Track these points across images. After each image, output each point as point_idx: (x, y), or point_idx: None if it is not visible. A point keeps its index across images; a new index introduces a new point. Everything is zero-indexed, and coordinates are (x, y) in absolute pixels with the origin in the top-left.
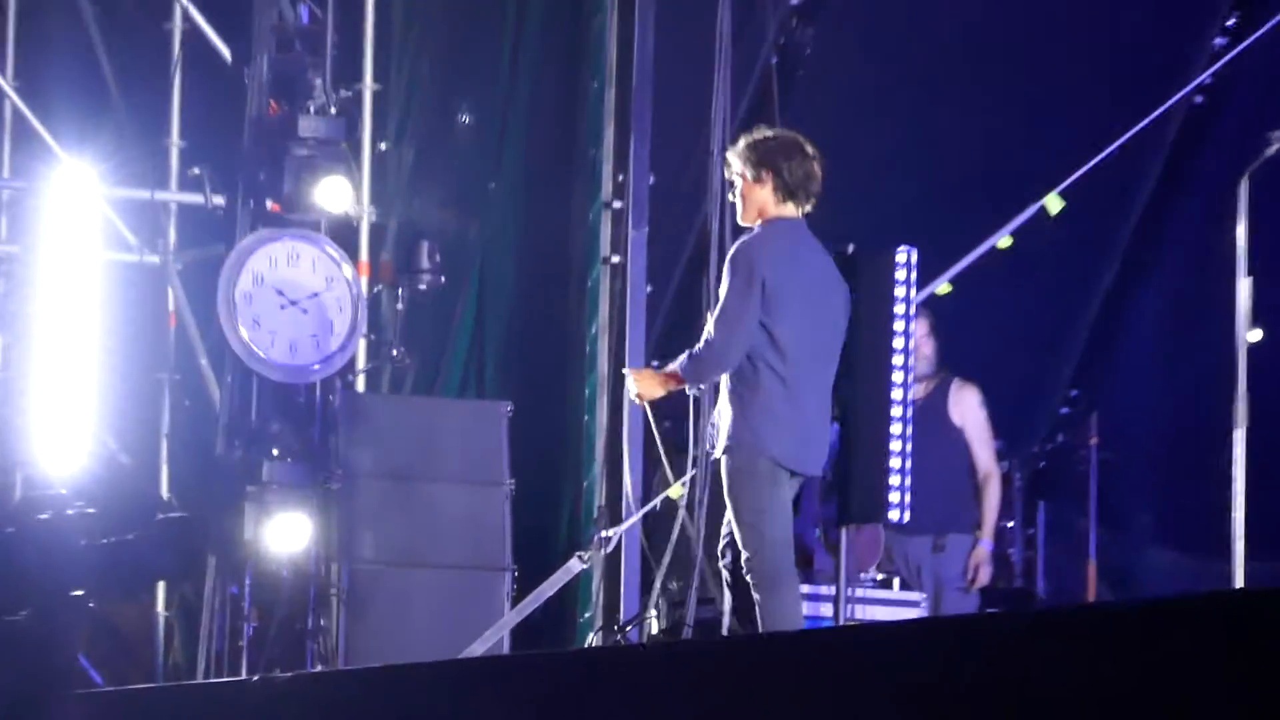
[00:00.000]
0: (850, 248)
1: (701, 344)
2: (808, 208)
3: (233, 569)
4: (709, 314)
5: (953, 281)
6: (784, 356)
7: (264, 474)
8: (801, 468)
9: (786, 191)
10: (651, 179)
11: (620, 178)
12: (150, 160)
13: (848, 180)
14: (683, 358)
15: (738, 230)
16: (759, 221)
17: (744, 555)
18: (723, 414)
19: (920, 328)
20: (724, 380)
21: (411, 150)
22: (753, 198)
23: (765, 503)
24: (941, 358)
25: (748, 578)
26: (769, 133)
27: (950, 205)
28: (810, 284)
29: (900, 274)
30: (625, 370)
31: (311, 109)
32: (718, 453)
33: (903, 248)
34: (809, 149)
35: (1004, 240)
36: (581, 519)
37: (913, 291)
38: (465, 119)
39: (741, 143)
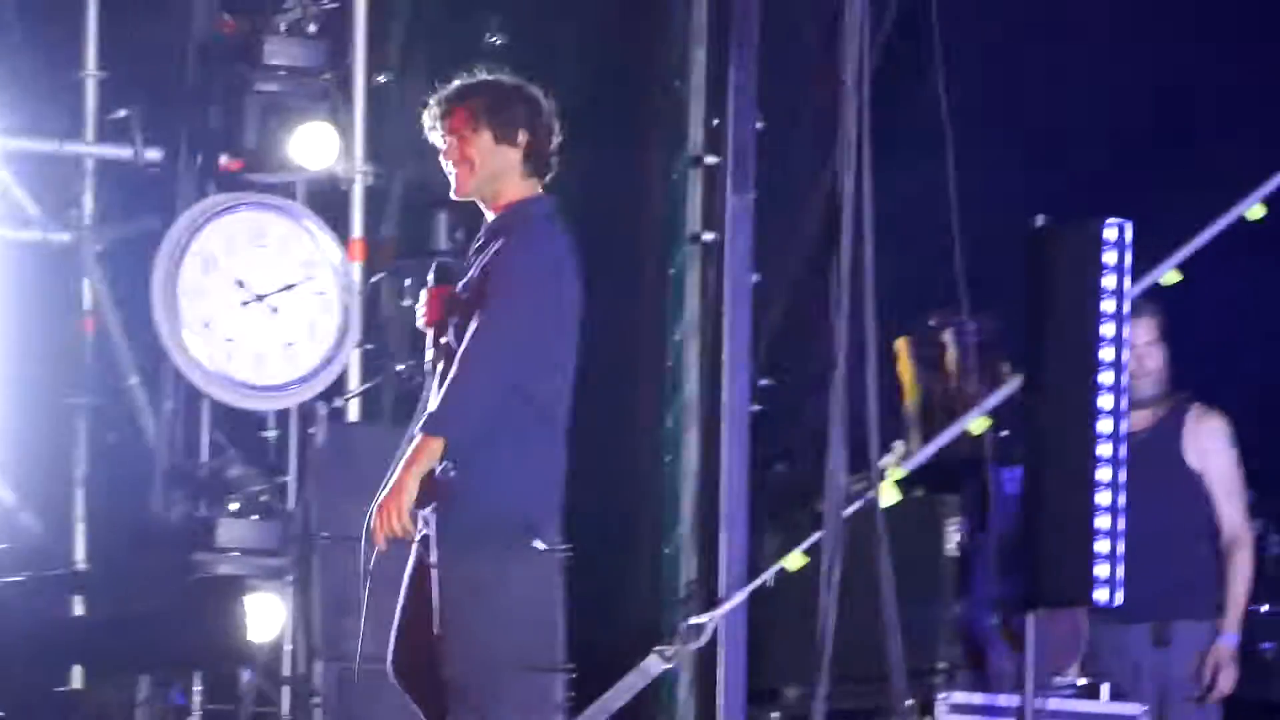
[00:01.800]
0: (1040, 220)
1: None
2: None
3: (174, 669)
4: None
5: (1183, 267)
6: None
7: (218, 537)
8: None
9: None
10: (760, 123)
11: (716, 122)
12: (57, 100)
13: (1025, 129)
14: None
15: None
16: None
17: None
18: None
19: (1142, 332)
20: None
21: (423, 82)
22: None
23: None
24: (1173, 375)
25: None
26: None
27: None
28: None
29: (1110, 256)
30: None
31: (282, 26)
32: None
33: (1113, 221)
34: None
35: (1254, 209)
36: (664, 600)
37: (1128, 281)
38: (496, 38)
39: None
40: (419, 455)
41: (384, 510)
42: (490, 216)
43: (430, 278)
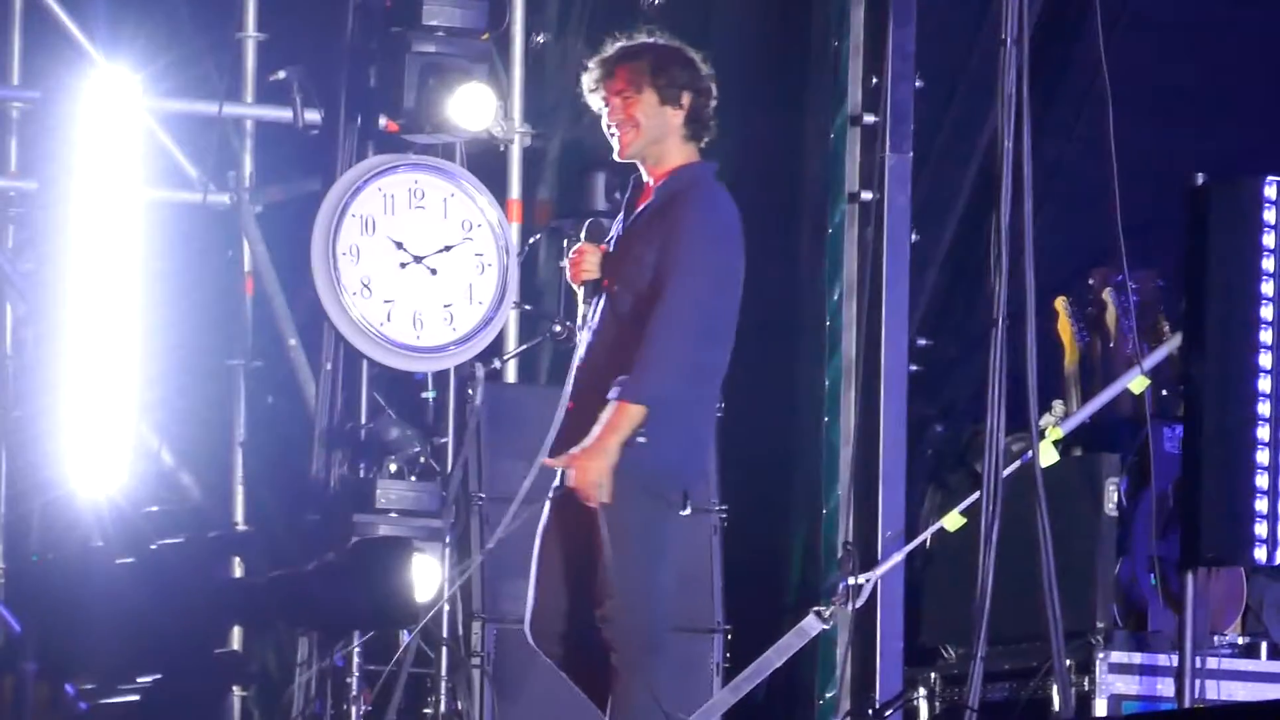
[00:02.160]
0: (1200, 178)
1: None
2: None
3: (337, 630)
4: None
5: None
6: None
7: (377, 499)
8: None
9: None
10: (919, 82)
11: (875, 80)
12: (216, 61)
13: (1194, 84)
14: None
15: (1041, 154)
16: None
17: None
18: None
19: None
20: None
21: (581, 43)
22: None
23: None
24: None
25: None
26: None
27: None
28: None
29: (1270, 215)
30: None
31: None
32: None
33: (1273, 178)
34: None
35: None
36: (821, 560)
37: None
38: None
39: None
40: (620, 420)
41: (585, 472)
42: (650, 179)
43: (582, 235)
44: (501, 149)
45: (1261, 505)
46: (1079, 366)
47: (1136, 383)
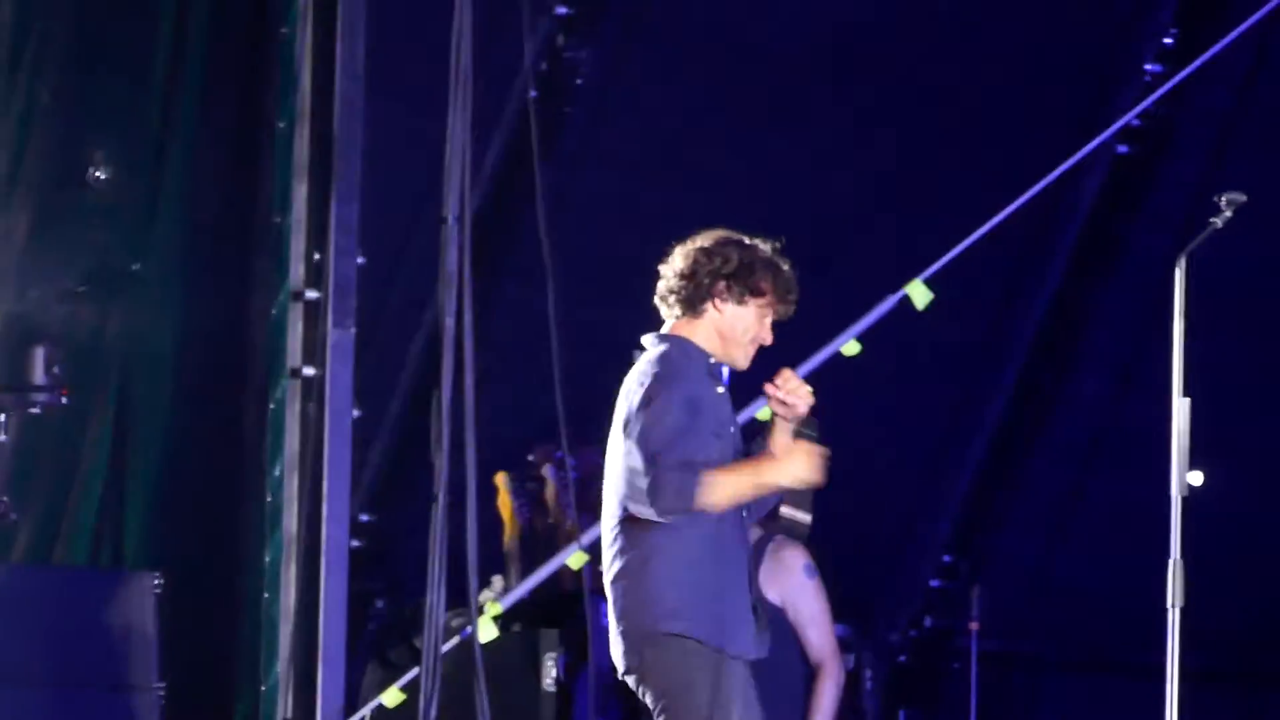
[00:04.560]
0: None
1: None
2: None
3: None
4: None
5: None
6: None
7: None
8: None
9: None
10: (361, 259)
11: (317, 256)
12: None
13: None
14: None
15: (481, 327)
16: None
17: None
18: None
19: None
20: None
21: (24, 216)
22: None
23: None
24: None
25: None
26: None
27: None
28: None
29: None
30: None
31: None
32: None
33: None
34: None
35: (849, 346)
36: None
37: None
38: (101, 172)
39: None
40: None
41: None
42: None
43: None
44: None
45: None
46: (519, 542)
47: (575, 558)
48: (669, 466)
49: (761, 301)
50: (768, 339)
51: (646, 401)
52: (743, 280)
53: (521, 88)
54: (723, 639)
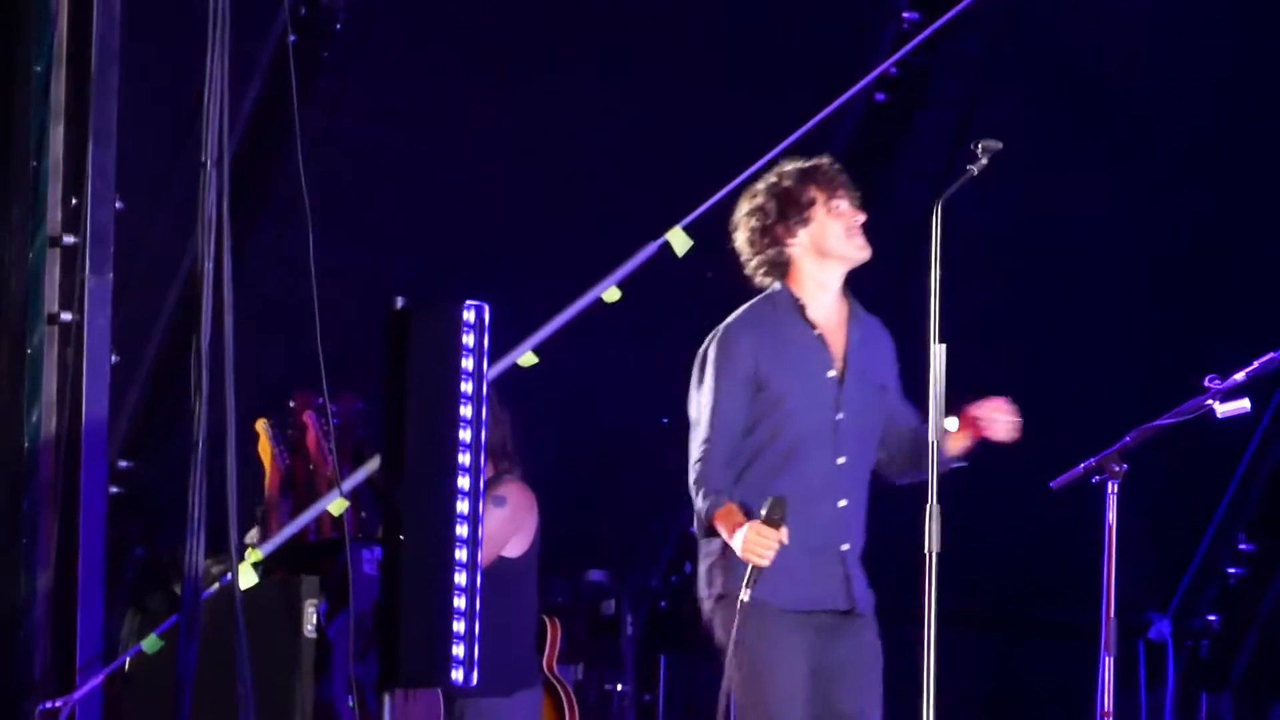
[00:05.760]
0: (400, 301)
1: None
2: None
3: None
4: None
5: (539, 350)
6: None
7: None
8: None
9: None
10: (119, 204)
11: (74, 202)
12: None
13: (393, 210)
14: None
15: (240, 272)
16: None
17: None
18: None
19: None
20: None
21: None
22: None
23: None
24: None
25: None
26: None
27: (542, 245)
28: None
29: (469, 338)
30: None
31: None
32: None
33: (471, 303)
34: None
35: (611, 292)
36: (17, 686)
37: (485, 363)
38: None
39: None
40: None
41: None
42: (837, 286)
43: None
44: None
45: (459, 626)
46: (280, 489)
47: (336, 505)
48: None
49: (819, 209)
50: (857, 218)
51: None
52: (790, 211)
53: (280, 32)
54: None
